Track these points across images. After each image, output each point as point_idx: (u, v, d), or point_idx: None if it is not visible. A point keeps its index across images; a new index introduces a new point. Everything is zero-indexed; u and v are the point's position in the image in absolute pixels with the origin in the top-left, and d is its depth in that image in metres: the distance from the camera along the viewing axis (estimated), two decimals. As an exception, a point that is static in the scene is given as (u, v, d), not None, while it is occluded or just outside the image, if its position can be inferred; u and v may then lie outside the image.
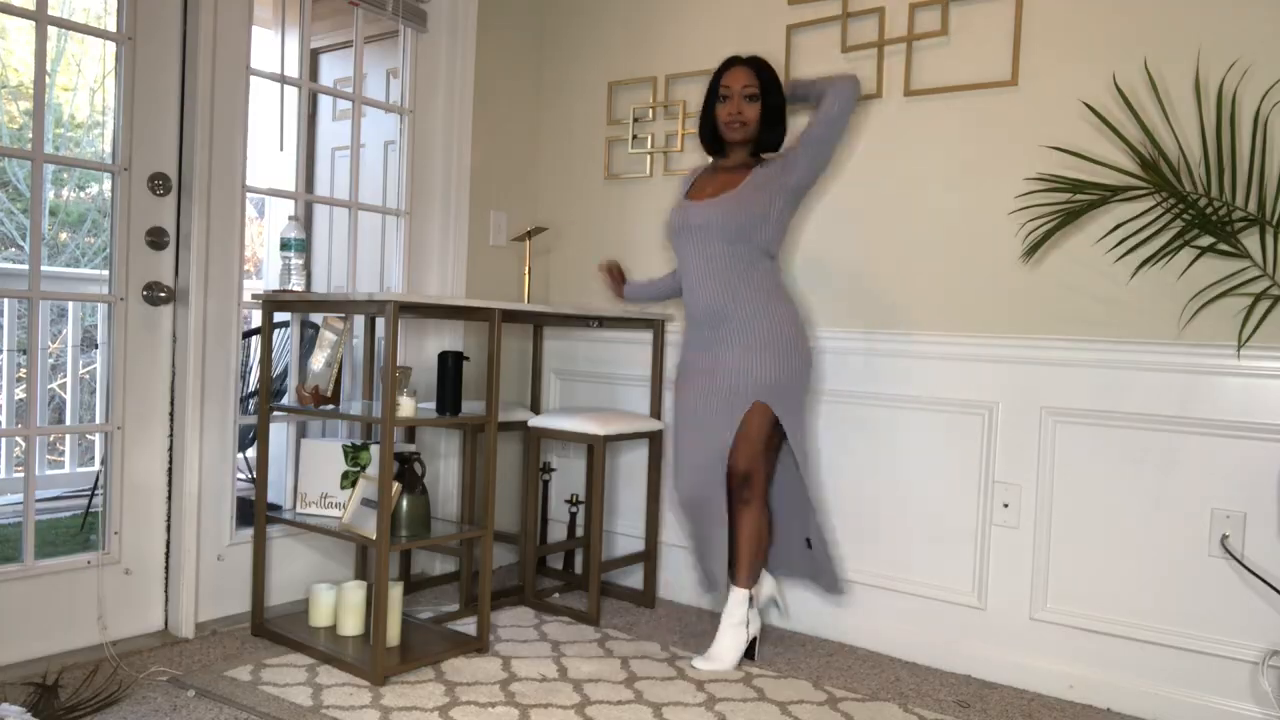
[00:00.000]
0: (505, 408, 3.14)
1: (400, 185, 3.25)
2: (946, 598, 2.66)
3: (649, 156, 3.30)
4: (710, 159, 2.76)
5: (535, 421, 2.99)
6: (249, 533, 2.74)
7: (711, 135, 2.67)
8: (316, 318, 3.30)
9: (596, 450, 2.84)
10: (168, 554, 2.63)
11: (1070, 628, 2.46)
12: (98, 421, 2.66)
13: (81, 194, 6.11)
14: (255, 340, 3.84)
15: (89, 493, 3.93)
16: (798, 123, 2.80)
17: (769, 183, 2.55)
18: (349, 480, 2.68)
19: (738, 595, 2.59)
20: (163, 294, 2.57)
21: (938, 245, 2.69)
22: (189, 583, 2.60)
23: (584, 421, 2.88)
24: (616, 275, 3.00)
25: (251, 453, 3.68)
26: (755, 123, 2.58)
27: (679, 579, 3.17)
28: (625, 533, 3.34)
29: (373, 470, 2.57)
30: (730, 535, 2.60)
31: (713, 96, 2.63)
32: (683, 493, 2.60)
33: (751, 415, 2.52)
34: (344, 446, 2.70)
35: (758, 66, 2.59)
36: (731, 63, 2.61)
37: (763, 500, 2.61)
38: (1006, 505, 2.57)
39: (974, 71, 2.63)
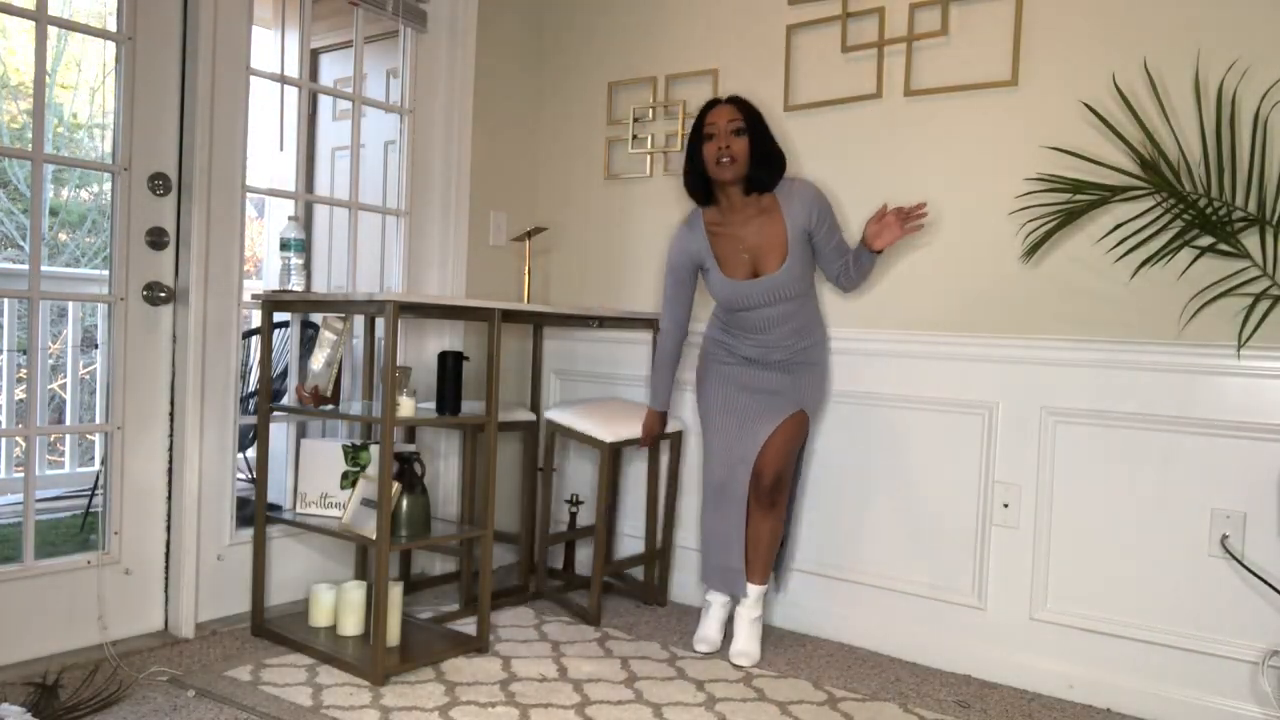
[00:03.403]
0: (505, 408, 3.14)
1: (400, 185, 3.25)
2: (946, 598, 2.66)
3: (649, 156, 3.30)
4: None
5: (551, 415, 2.99)
6: (249, 533, 2.74)
7: (701, 180, 2.62)
8: (316, 318, 3.30)
9: (604, 456, 2.84)
10: (168, 554, 2.63)
11: (1070, 628, 2.46)
12: (98, 421, 2.66)
13: (81, 194, 6.11)
14: (255, 340, 3.84)
15: (89, 493, 3.93)
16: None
17: (803, 233, 2.56)
18: (349, 480, 2.68)
19: (758, 591, 2.68)
20: (163, 294, 2.57)
21: (938, 245, 2.69)
22: (189, 583, 2.60)
23: (594, 425, 2.87)
24: (655, 429, 2.90)
25: (251, 453, 3.68)
26: (745, 157, 2.52)
27: (680, 579, 3.17)
28: (629, 533, 3.33)
29: (373, 470, 2.57)
30: (750, 534, 2.69)
31: (697, 139, 2.59)
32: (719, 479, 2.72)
33: (793, 422, 2.64)
34: (344, 446, 2.70)
35: (739, 102, 2.57)
36: (713, 103, 2.60)
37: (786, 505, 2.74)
38: (1006, 505, 2.57)
39: (974, 71, 2.63)
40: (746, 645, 2.63)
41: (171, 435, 2.62)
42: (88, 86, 6.00)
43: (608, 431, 2.85)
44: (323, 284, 3.56)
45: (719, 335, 2.75)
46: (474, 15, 3.30)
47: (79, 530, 3.77)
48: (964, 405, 2.63)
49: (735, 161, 2.52)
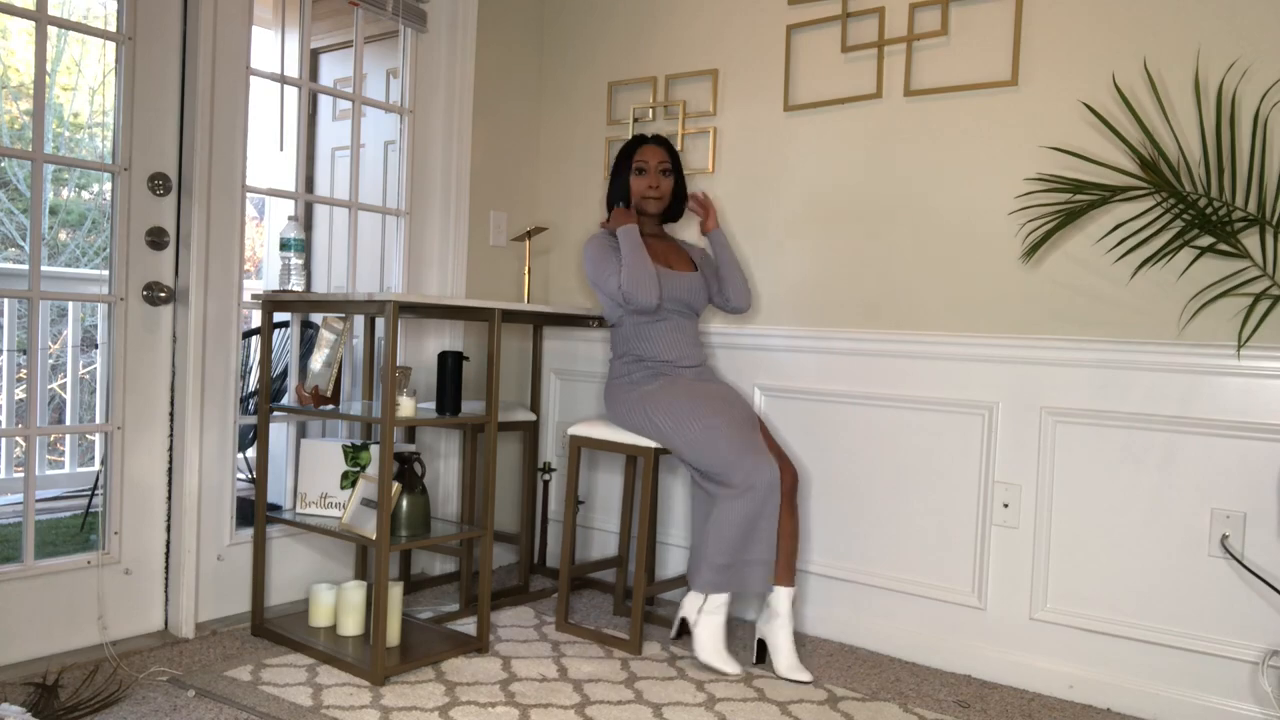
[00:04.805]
0: (505, 408, 3.14)
1: (400, 185, 3.25)
2: (946, 598, 2.66)
3: (649, 156, 3.30)
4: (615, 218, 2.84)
5: (576, 430, 2.83)
6: (249, 533, 2.74)
7: (624, 204, 2.89)
8: (316, 318, 3.30)
9: (646, 464, 2.66)
10: (168, 554, 2.63)
11: (1070, 628, 2.46)
12: (98, 421, 2.66)
13: (81, 194, 6.11)
14: (255, 340, 3.84)
15: (89, 493, 3.93)
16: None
17: (707, 276, 2.89)
18: (349, 480, 2.68)
19: (790, 594, 2.57)
20: (163, 294, 2.57)
21: (938, 245, 2.69)
22: (189, 583, 2.60)
23: (631, 435, 2.72)
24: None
25: (251, 453, 3.68)
26: (668, 196, 2.87)
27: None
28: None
29: (373, 470, 2.57)
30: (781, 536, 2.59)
31: (625, 170, 2.87)
32: (768, 475, 2.49)
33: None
34: (344, 446, 2.70)
35: (665, 144, 2.88)
36: (642, 140, 2.88)
37: None
38: (1006, 505, 2.57)
39: (974, 71, 2.63)
40: (790, 659, 2.52)
41: (171, 435, 2.62)
42: (88, 87, 6.00)
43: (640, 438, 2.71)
44: (323, 284, 3.56)
45: (632, 361, 2.77)
46: (474, 15, 3.30)
47: (79, 530, 3.77)
48: (964, 405, 2.63)
49: (662, 199, 2.86)
